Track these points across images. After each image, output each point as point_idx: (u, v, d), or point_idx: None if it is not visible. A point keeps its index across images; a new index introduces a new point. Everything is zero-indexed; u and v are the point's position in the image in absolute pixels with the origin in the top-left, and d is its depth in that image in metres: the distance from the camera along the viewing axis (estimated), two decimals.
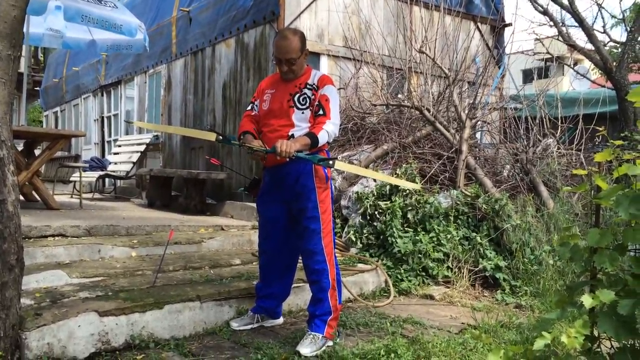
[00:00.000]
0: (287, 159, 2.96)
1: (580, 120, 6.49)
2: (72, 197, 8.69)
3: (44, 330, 2.88)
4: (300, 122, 3.16)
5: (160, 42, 8.94)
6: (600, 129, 3.20)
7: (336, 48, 6.73)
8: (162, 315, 3.29)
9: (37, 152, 6.89)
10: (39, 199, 6.28)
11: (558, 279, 4.41)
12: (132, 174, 8.67)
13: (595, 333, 2.56)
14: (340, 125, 5.03)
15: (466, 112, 5.51)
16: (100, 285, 3.55)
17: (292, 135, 3.14)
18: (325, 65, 6.68)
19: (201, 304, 3.48)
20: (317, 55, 6.61)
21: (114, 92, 11.33)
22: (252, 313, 3.55)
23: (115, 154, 9.64)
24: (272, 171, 3.24)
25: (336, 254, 3.43)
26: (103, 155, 11.86)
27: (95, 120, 12.32)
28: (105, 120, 11.81)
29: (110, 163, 9.60)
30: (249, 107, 3.40)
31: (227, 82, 7.11)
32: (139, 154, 8.66)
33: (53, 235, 4.45)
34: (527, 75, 13.44)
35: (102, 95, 11.82)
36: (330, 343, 3.16)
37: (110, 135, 11.67)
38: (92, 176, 8.64)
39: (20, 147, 6.54)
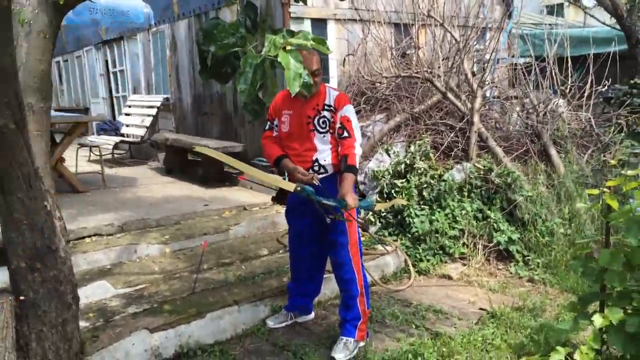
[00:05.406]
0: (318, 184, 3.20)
1: (591, 64, 6.33)
2: (89, 160, 8.89)
3: (103, 353, 3.19)
4: (322, 145, 3.31)
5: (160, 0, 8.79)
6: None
7: (342, 11, 6.64)
8: (204, 324, 3.59)
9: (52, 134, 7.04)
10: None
11: (569, 249, 4.65)
12: (147, 139, 8.80)
13: (605, 347, 2.85)
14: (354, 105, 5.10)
15: (477, 81, 5.52)
16: (144, 295, 3.84)
17: (316, 160, 3.30)
18: (333, 31, 6.63)
19: (239, 307, 3.77)
20: (323, 21, 6.54)
21: (117, 47, 11.21)
22: (286, 311, 3.85)
23: (126, 114, 9.71)
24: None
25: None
26: (113, 111, 11.93)
27: (100, 75, 12.28)
28: (111, 75, 11.77)
29: (122, 125, 9.70)
30: (267, 127, 3.49)
31: None
32: (151, 118, 8.74)
33: (90, 236, 4.71)
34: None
35: (106, 49, 11.70)
36: (362, 344, 3.47)
37: (117, 91, 11.67)
38: (108, 144, 8.79)
39: None
